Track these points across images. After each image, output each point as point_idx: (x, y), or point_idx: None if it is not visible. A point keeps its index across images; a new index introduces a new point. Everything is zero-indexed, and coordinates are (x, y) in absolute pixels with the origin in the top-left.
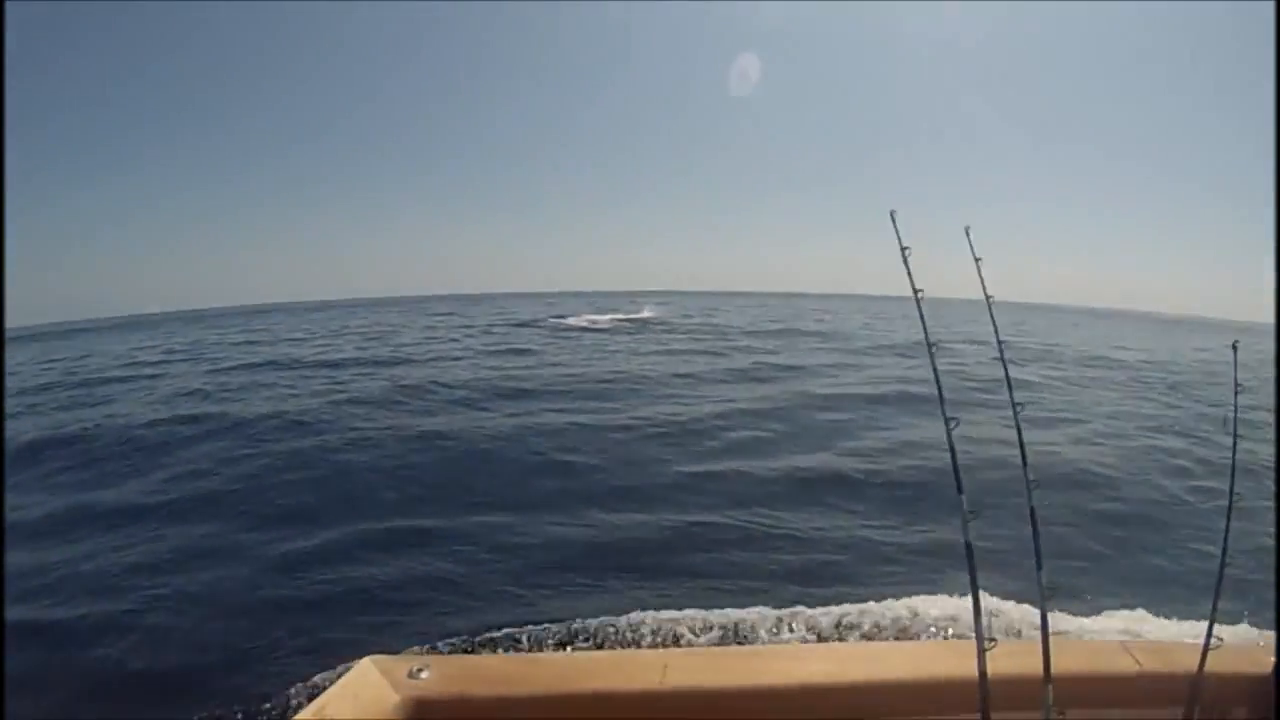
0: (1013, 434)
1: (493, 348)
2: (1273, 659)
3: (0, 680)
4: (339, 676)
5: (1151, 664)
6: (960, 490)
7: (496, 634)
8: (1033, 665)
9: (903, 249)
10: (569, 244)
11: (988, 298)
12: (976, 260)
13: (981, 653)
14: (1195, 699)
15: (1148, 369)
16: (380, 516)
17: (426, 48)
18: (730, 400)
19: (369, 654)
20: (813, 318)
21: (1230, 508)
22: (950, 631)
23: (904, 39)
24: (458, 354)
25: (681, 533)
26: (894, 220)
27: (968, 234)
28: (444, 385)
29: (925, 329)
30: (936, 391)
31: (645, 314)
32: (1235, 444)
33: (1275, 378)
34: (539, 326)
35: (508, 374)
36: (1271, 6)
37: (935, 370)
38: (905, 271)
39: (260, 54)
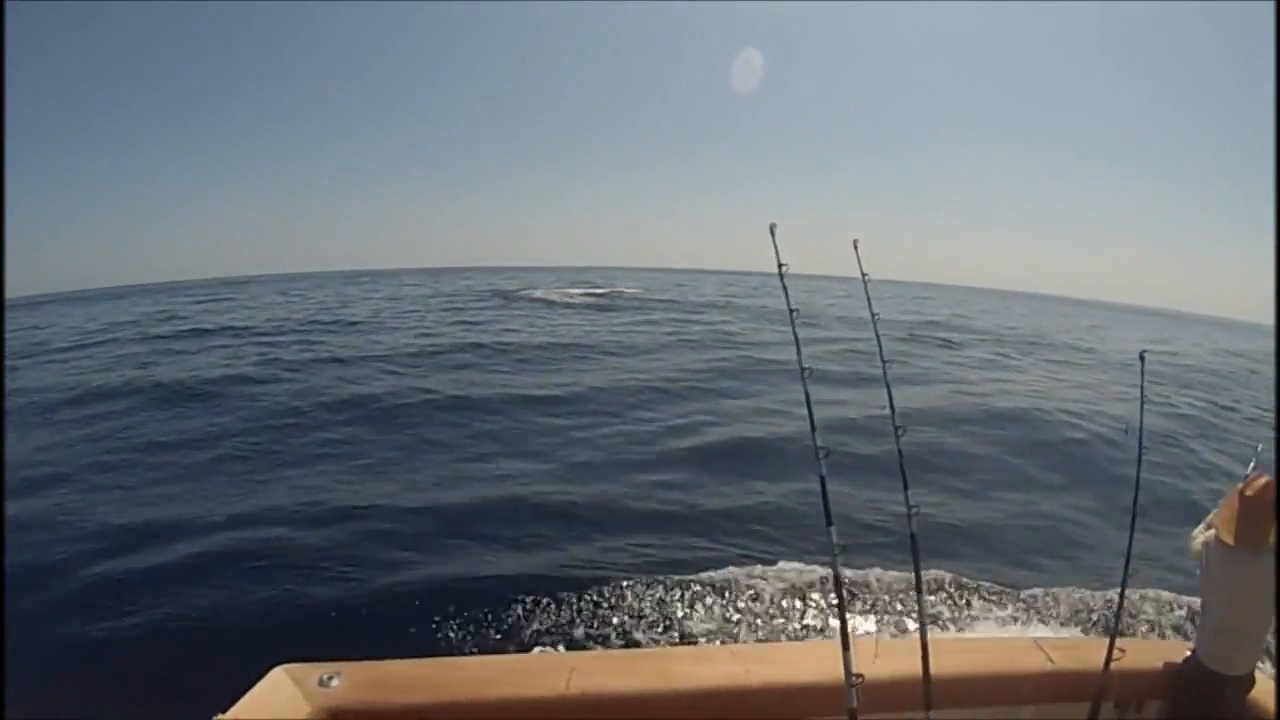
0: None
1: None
2: (1186, 653)
3: (0, 680)
4: (250, 686)
5: (1065, 661)
6: (829, 523)
7: (408, 639)
8: (913, 667)
9: (779, 265)
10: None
11: (867, 290)
12: (863, 276)
13: (848, 666)
14: (1102, 695)
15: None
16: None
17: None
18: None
19: (280, 663)
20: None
21: (1134, 516)
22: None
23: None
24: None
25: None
26: (773, 234)
27: (855, 247)
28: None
29: (789, 303)
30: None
31: (618, 289)
32: (1140, 454)
33: (1275, 377)
34: (518, 299)
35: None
36: (1271, 7)
37: (797, 340)
38: (782, 288)
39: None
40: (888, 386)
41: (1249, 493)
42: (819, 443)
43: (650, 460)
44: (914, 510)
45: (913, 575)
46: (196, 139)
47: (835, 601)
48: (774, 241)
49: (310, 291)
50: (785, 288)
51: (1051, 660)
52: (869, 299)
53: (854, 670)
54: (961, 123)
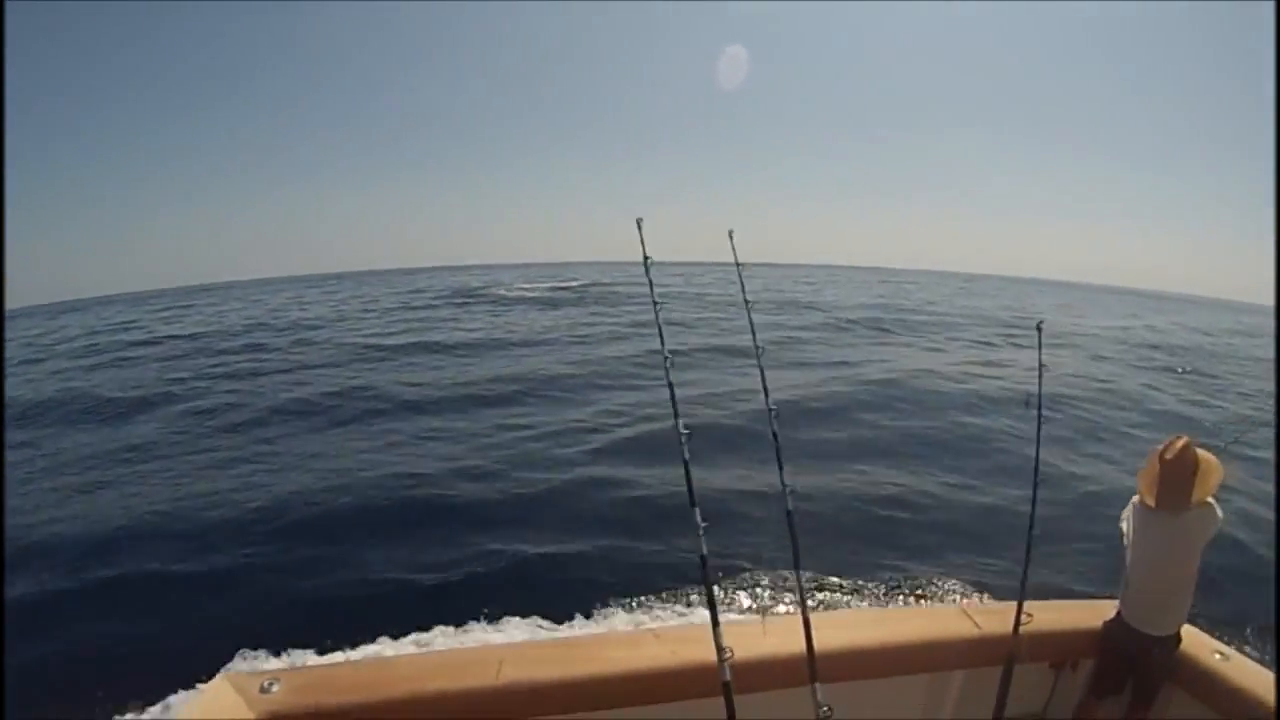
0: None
1: None
2: (1113, 613)
3: (1, 679)
4: (195, 695)
5: (991, 626)
6: (693, 504)
7: (345, 640)
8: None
9: (645, 258)
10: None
11: (741, 278)
12: (738, 265)
13: (718, 649)
14: (1013, 658)
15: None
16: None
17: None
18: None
19: (223, 671)
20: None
21: (1035, 484)
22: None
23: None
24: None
25: None
26: (639, 228)
27: (730, 237)
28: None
29: (745, 293)
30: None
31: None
32: (1040, 424)
33: (1275, 377)
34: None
35: None
36: (1271, 7)
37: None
38: (740, 284)
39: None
40: (761, 370)
41: (1168, 456)
42: (681, 427)
43: (564, 453)
44: (789, 489)
45: (791, 554)
46: (159, 146)
47: (703, 580)
48: (640, 236)
49: (268, 297)
50: (650, 280)
51: (978, 626)
52: (743, 286)
53: (724, 645)
54: (950, 106)
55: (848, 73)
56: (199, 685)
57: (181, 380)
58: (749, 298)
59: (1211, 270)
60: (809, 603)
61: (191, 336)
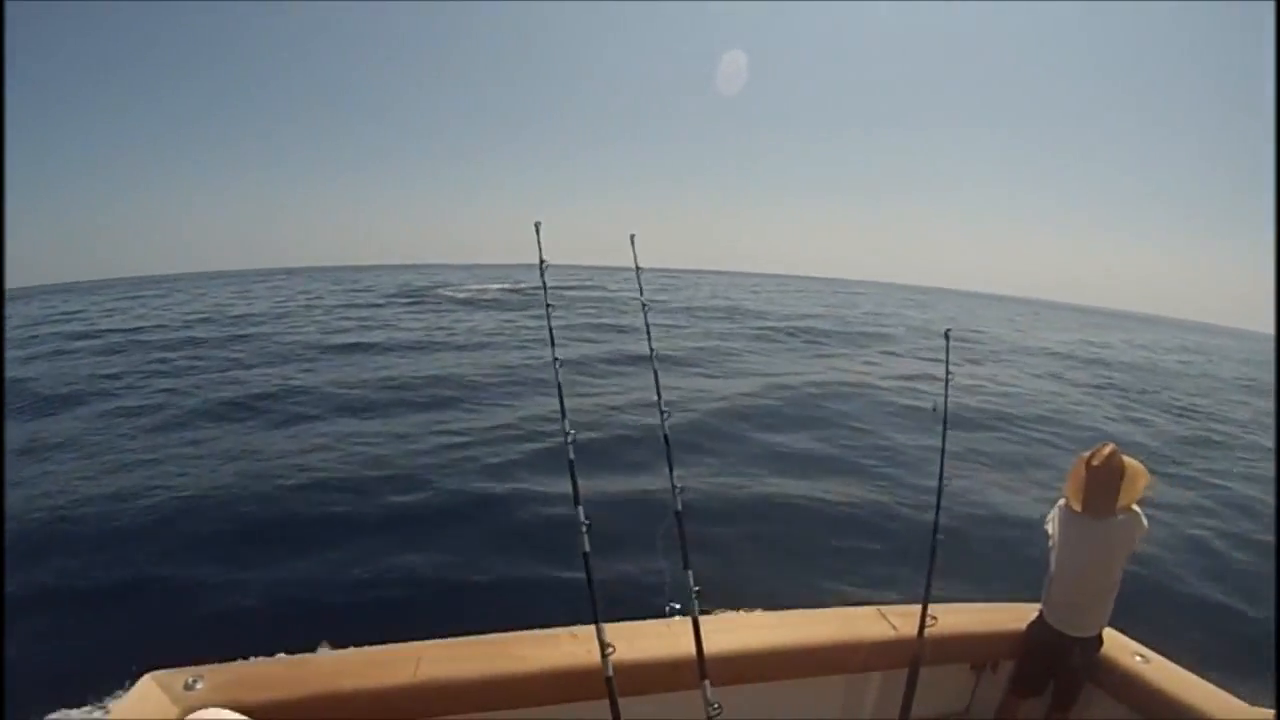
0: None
1: None
2: (1034, 615)
3: (1, 680)
4: (122, 696)
5: (907, 627)
6: (577, 503)
7: (269, 637)
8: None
9: (540, 261)
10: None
11: (640, 282)
12: (637, 269)
13: (601, 638)
14: (918, 660)
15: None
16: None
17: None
18: None
19: (150, 670)
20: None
21: (940, 490)
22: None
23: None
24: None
25: None
26: (537, 231)
27: (632, 241)
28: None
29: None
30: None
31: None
32: (945, 430)
33: (1275, 377)
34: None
35: None
36: (1271, 7)
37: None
38: (639, 286)
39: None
40: (655, 373)
41: (1095, 462)
42: (568, 429)
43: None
44: (679, 489)
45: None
46: (113, 137)
47: (586, 579)
48: (538, 240)
49: (215, 291)
50: (544, 283)
51: (894, 627)
52: (641, 289)
53: (607, 641)
54: (922, 112)
55: (814, 74)
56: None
57: (115, 376)
58: (688, 303)
59: (1162, 290)
60: (698, 605)
61: (134, 330)
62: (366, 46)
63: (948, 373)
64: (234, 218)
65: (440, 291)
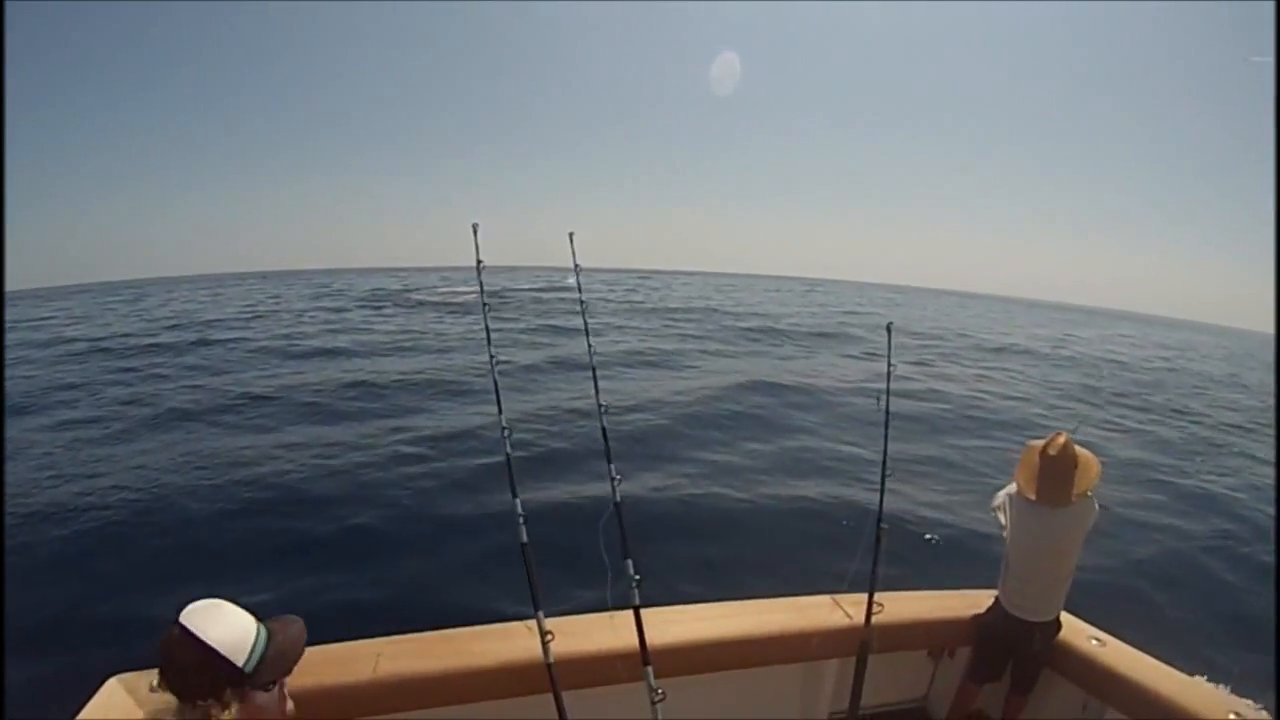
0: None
1: None
2: (990, 602)
3: (0, 679)
4: (87, 700)
5: (861, 616)
6: (515, 494)
7: None
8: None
9: (478, 262)
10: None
11: (579, 280)
12: (576, 267)
13: (541, 634)
14: (866, 648)
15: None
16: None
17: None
18: None
19: (114, 674)
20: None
21: (883, 478)
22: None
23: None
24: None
25: None
26: (475, 233)
27: (571, 239)
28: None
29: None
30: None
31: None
32: (887, 422)
33: (1275, 378)
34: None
35: None
36: (1271, 7)
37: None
38: (577, 285)
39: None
40: (593, 370)
41: (1051, 452)
42: (504, 423)
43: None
44: (617, 479)
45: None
46: (93, 135)
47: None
48: (475, 241)
49: (188, 292)
50: (481, 283)
51: (849, 615)
52: (579, 288)
53: (547, 630)
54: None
55: (805, 72)
56: None
57: (73, 386)
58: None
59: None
60: (638, 593)
61: (98, 339)
62: (353, 42)
63: (889, 366)
64: (206, 223)
65: (411, 295)
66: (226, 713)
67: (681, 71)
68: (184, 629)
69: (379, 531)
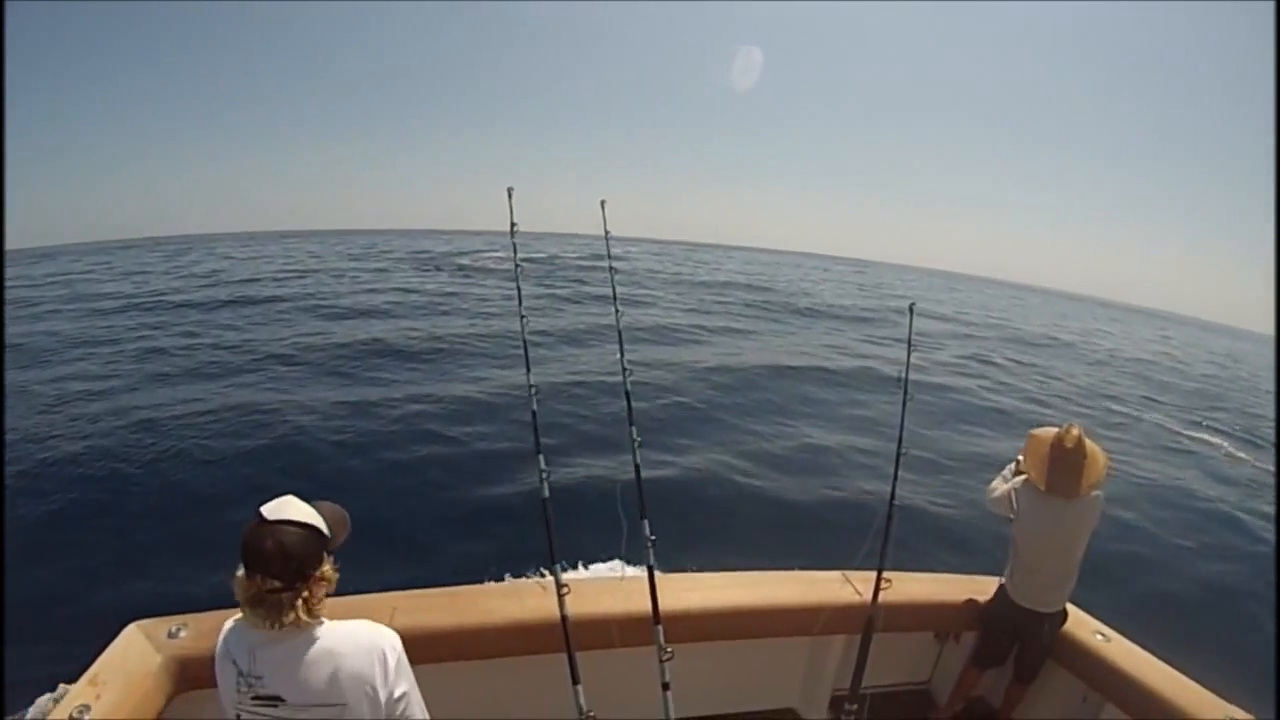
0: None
1: None
2: (995, 588)
3: (0, 680)
4: (107, 645)
5: (871, 593)
6: (539, 450)
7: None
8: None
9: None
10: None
11: (609, 247)
12: (606, 234)
13: (557, 585)
14: (871, 625)
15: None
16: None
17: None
18: None
19: (134, 620)
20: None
21: (898, 456)
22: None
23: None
24: None
25: None
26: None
27: (602, 206)
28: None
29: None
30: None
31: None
32: (905, 400)
33: (1275, 378)
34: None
35: None
36: (1271, 7)
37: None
38: (606, 256)
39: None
40: (619, 333)
41: (1068, 444)
42: (531, 381)
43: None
44: (637, 442)
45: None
46: (115, 96)
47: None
48: (510, 205)
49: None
50: (514, 245)
51: (859, 592)
52: (609, 256)
53: (563, 582)
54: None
55: (831, 65)
56: None
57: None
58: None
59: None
60: (653, 553)
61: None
62: (368, 23)
63: (910, 344)
64: (236, 180)
65: (455, 259)
66: (326, 568)
67: (734, 57)
68: (280, 520)
69: (397, 486)
